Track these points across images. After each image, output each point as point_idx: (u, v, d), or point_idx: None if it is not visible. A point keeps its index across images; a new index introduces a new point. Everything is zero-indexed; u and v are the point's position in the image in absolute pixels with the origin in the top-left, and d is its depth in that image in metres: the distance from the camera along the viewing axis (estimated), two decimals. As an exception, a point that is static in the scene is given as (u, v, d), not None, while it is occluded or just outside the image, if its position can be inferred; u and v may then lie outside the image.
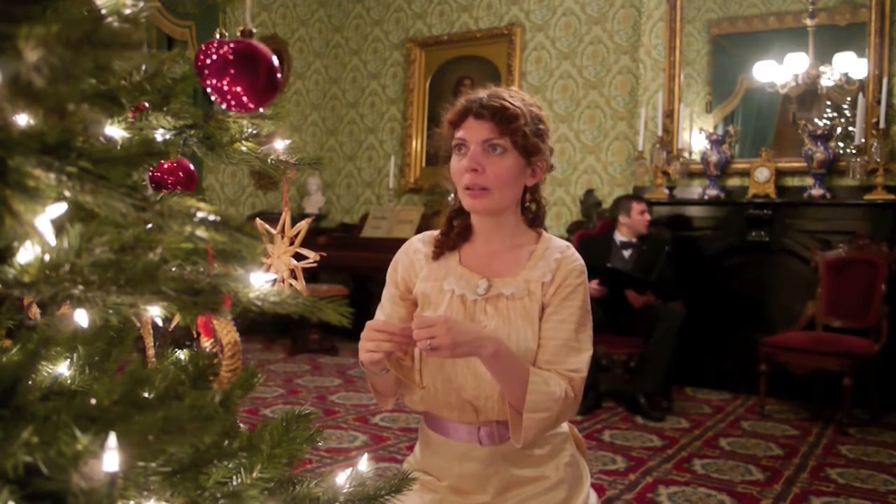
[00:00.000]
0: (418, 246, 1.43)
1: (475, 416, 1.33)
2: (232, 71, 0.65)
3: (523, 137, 1.29)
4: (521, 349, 1.30)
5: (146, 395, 0.54)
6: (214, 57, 0.66)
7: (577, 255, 1.39)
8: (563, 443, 1.39)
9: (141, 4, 0.47)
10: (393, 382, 1.36)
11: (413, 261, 1.42)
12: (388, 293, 1.43)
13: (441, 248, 1.40)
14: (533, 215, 1.42)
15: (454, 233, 1.40)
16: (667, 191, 4.92)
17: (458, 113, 1.34)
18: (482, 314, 1.33)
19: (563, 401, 1.25)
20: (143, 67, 0.64)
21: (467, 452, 1.34)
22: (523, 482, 1.34)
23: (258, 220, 0.99)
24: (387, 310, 1.42)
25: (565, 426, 1.42)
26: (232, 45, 0.66)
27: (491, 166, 1.29)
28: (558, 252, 1.37)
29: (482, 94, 1.32)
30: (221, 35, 0.75)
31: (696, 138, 4.98)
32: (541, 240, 1.40)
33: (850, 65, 4.46)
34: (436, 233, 1.44)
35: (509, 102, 1.30)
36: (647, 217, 4.29)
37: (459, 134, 1.32)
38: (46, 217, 0.45)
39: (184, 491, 0.60)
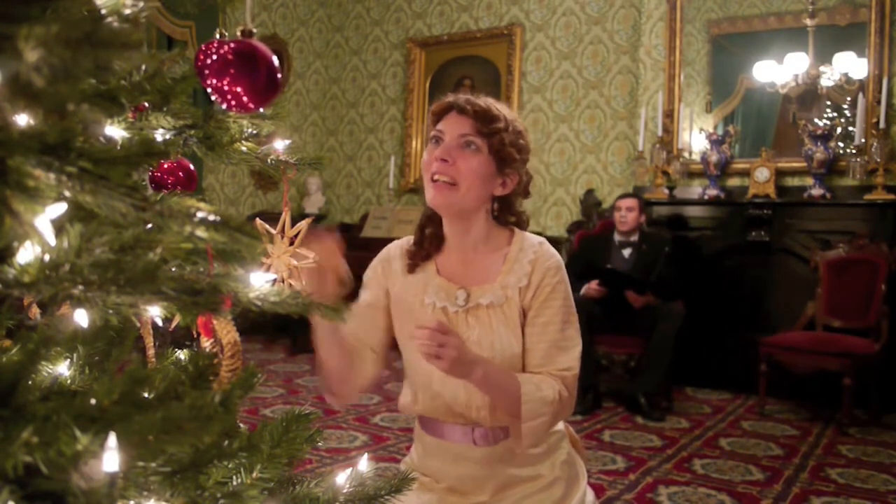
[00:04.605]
0: (396, 253, 1.42)
1: (468, 420, 1.33)
2: (232, 71, 0.65)
3: (500, 143, 1.29)
4: (507, 356, 1.30)
5: (146, 395, 0.54)
6: (215, 57, 0.66)
7: (552, 250, 1.37)
8: (558, 441, 1.39)
9: (141, 4, 0.47)
10: (343, 363, 1.30)
11: (389, 270, 1.41)
12: (362, 295, 1.42)
13: (415, 260, 1.39)
14: (513, 224, 1.40)
15: (426, 241, 1.39)
16: (667, 191, 4.91)
17: (442, 107, 1.33)
18: (464, 325, 1.32)
19: (557, 402, 1.25)
20: (143, 67, 0.64)
21: (463, 453, 1.34)
22: (520, 481, 1.34)
23: (258, 220, 0.99)
24: (364, 301, 1.40)
25: (561, 425, 1.42)
26: (232, 45, 0.66)
27: (462, 160, 1.28)
28: (532, 252, 1.34)
29: (471, 95, 1.33)
30: (221, 35, 0.74)
31: (696, 138, 4.98)
32: (513, 240, 1.38)
33: (850, 65, 4.45)
34: (410, 240, 1.43)
35: (495, 108, 1.30)
36: (631, 215, 4.17)
37: (439, 126, 1.32)
38: (46, 217, 0.45)
39: (184, 491, 0.60)
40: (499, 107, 1.32)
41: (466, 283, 1.35)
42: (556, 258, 1.36)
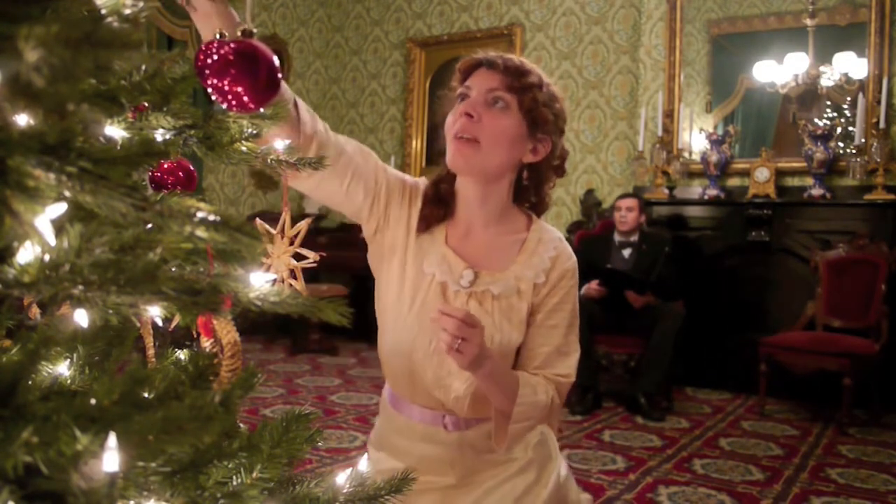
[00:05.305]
0: (420, 190, 1.30)
1: (442, 405, 1.27)
2: (232, 71, 0.65)
3: (532, 101, 1.19)
4: (506, 351, 1.26)
5: (146, 395, 0.54)
6: (215, 57, 0.66)
7: (570, 250, 1.32)
8: None
9: (141, 4, 0.47)
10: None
11: (411, 196, 1.29)
12: (390, 170, 1.29)
13: (429, 219, 1.27)
14: (530, 206, 1.34)
15: (440, 200, 1.28)
16: (667, 191, 4.92)
17: (470, 63, 1.24)
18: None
19: (547, 408, 1.22)
20: (143, 67, 0.64)
21: (432, 435, 1.28)
22: (492, 465, 1.29)
23: (258, 220, 0.99)
24: (374, 158, 1.26)
25: None
26: (233, 45, 0.66)
27: (488, 118, 1.18)
28: (553, 248, 1.29)
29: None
30: (221, 35, 0.74)
31: (696, 138, 4.98)
32: (532, 227, 1.31)
33: (850, 65, 4.46)
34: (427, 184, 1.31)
35: (529, 65, 1.22)
36: (631, 215, 4.17)
37: (466, 83, 1.23)
38: (46, 217, 0.45)
39: (184, 491, 0.60)
40: (533, 66, 1.23)
41: (476, 264, 1.25)
42: (574, 259, 1.30)
